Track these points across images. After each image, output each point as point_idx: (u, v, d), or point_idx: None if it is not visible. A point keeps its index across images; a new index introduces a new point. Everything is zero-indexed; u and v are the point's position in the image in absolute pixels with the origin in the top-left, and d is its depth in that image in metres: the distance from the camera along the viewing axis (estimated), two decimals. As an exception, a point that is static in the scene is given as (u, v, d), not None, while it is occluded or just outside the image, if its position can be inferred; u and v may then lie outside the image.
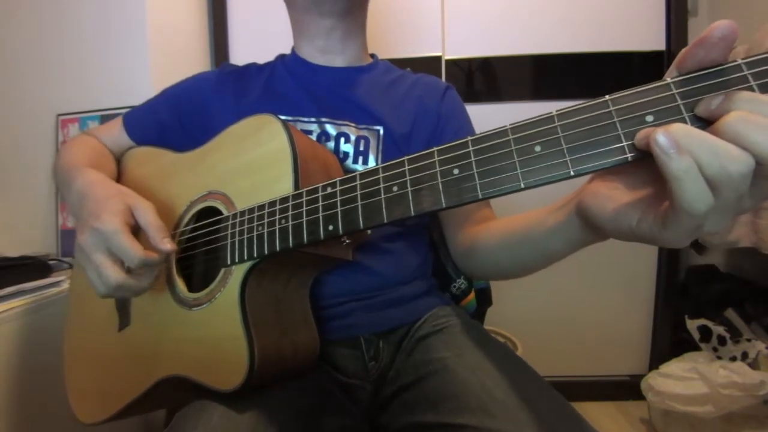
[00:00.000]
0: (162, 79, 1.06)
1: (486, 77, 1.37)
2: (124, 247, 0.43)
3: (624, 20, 1.33)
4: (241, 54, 1.37)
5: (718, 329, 1.17)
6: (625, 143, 0.27)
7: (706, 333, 1.20)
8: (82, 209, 0.49)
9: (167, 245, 0.45)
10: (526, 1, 1.34)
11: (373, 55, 0.72)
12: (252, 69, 0.68)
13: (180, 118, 0.64)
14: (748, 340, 1.13)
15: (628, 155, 0.27)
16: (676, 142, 0.24)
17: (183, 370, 0.47)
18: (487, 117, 1.34)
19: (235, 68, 0.68)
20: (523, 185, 0.30)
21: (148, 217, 0.46)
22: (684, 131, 0.24)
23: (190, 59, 1.26)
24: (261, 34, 1.36)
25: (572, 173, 0.29)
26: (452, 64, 1.36)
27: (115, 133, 0.67)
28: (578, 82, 1.34)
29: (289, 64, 0.67)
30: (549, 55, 1.34)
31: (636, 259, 1.41)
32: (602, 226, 0.33)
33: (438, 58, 1.35)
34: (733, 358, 1.12)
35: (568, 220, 0.38)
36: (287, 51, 0.71)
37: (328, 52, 0.65)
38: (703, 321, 1.21)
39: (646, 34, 1.33)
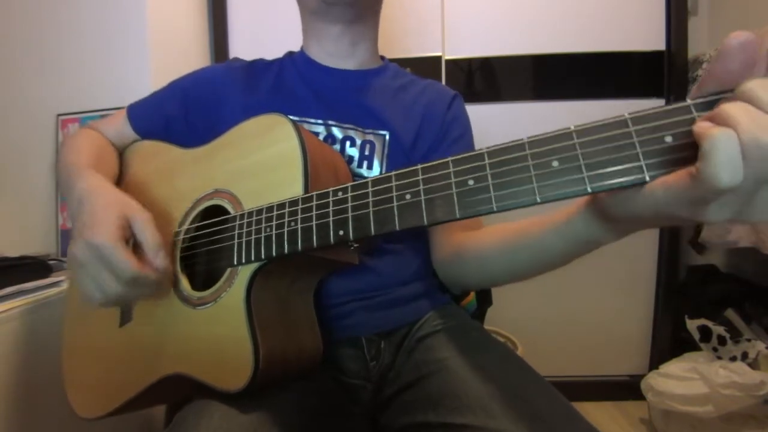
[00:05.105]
0: (162, 79, 1.04)
1: (486, 77, 1.37)
2: (117, 261, 0.43)
3: (624, 20, 1.33)
4: (241, 54, 1.36)
5: (718, 329, 1.17)
6: (643, 162, 0.27)
7: (706, 333, 1.19)
8: (79, 215, 0.48)
9: (162, 263, 0.45)
10: (526, 1, 1.34)
11: (383, 58, 0.72)
12: (260, 65, 0.67)
13: (186, 113, 0.64)
14: (748, 340, 1.13)
15: (646, 175, 0.27)
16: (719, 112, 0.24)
17: (186, 368, 0.46)
18: (487, 117, 1.34)
19: (243, 64, 0.68)
20: (539, 199, 0.30)
21: (144, 231, 0.46)
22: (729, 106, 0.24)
23: (190, 59, 1.26)
24: (261, 34, 1.36)
25: (589, 190, 0.28)
26: (452, 64, 1.36)
27: (119, 126, 0.66)
28: (578, 82, 1.34)
29: (298, 64, 0.67)
30: (549, 55, 1.34)
31: (636, 259, 1.41)
32: (629, 208, 0.31)
33: (438, 58, 1.35)
34: (733, 358, 1.12)
35: (575, 218, 0.38)
36: (287, 51, 0.71)
37: (338, 56, 0.65)
38: (703, 321, 1.21)
39: (646, 34, 1.33)
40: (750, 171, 0.23)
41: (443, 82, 1.35)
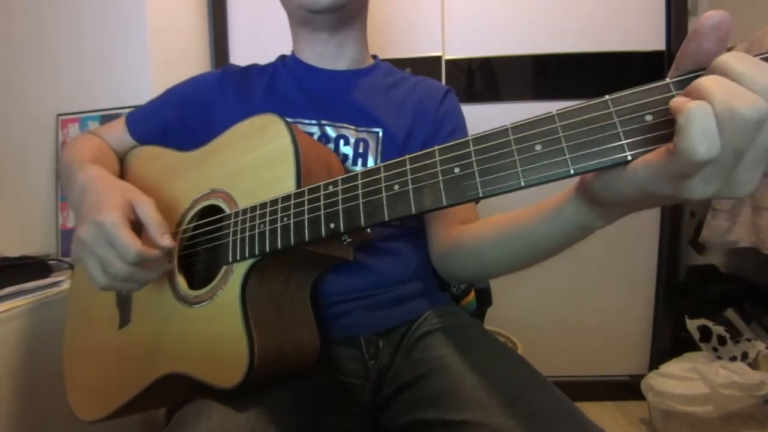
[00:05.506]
0: (162, 79, 1.06)
1: (486, 77, 1.37)
2: (122, 241, 0.43)
3: (624, 20, 1.33)
4: (241, 54, 1.37)
5: (718, 329, 1.17)
6: (624, 141, 0.27)
7: (706, 333, 1.19)
8: (83, 203, 0.49)
9: (166, 241, 0.45)
10: (526, 1, 1.34)
11: (374, 56, 0.72)
12: (254, 70, 0.68)
13: (183, 118, 0.65)
14: (748, 340, 1.13)
15: (628, 154, 0.27)
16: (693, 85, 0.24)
17: (183, 367, 0.47)
18: (487, 117, 1.34)
19: (237, 69, 0.68)
20: (523, 183, 0.30)
21: (148, 212, 0.46)
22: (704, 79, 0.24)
23: (190, 59, 1.26)
24: (261, 34, 1.36)
25: (572, 171, 0.29)
26: (452, 64, 1.36)
27: (118, 133, 0.67)
28: (578, 82, 1.34)
29: (290, 66, 0.68)
30: (549, 55, 1.34)
31: (636, 259, 1.40)
32: (614, 189, 0.31)
33: (438, 58, 1.35)
34: (733, 358, 1.12)
35: (565, 204, 0.38)
36: (287, 51, 0.71)
37: (327, 57, 0.66)
38: (703, 321, 1.21)
39: (646, 34, 1.33)
40: (727, 142, 0.23)
41: (443, 82, 1.35)
